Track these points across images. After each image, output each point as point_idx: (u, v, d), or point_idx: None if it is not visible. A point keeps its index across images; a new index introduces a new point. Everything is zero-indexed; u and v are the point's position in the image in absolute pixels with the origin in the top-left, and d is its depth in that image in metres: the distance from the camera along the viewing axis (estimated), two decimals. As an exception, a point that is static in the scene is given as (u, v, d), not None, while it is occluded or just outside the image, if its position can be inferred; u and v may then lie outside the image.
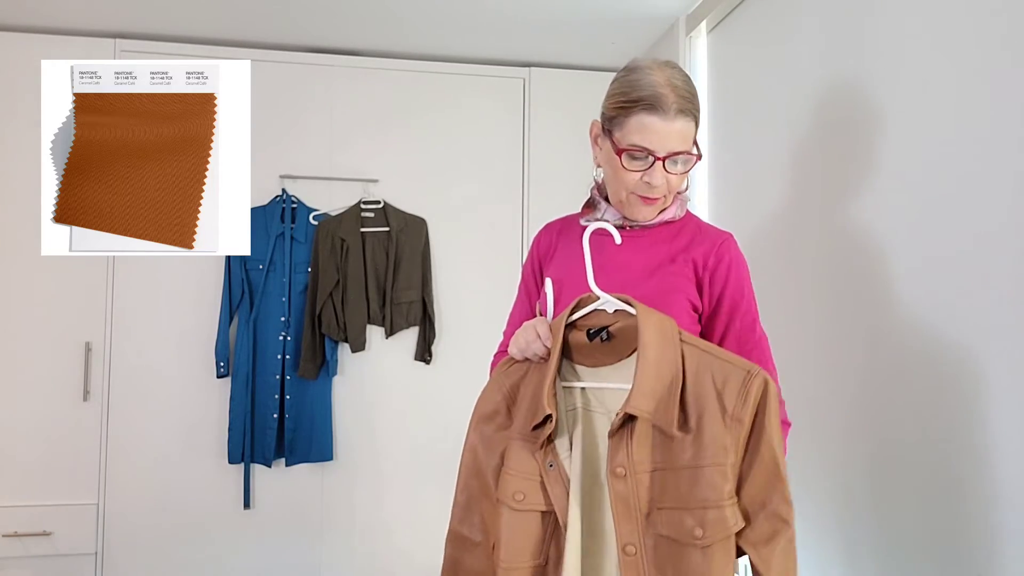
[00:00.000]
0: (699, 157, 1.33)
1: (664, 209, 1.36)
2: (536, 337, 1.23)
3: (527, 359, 1.25)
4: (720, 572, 1.05)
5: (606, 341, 1.18)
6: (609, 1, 2.46)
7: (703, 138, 2.47)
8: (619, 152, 1.29)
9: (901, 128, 1.57)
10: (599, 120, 1.36)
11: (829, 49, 1.82)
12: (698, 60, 2.53)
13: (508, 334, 1.46)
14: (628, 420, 1.11)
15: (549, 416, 1.14)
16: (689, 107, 1.28)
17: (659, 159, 1.27)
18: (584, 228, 1.42)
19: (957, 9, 1.42)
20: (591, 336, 1.18)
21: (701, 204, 2.48)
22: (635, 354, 1.15)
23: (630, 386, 1.11)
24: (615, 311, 1.18)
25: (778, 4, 2.06)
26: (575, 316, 1.21)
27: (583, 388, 1.20)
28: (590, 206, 1.43)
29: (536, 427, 1.17)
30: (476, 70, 2.98)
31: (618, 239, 1.27)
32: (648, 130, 1.26)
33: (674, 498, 1.09)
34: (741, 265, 1.34)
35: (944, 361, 1.43)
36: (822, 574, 1.77)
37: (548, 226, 1.51)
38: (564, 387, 1.20)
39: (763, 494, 1.07)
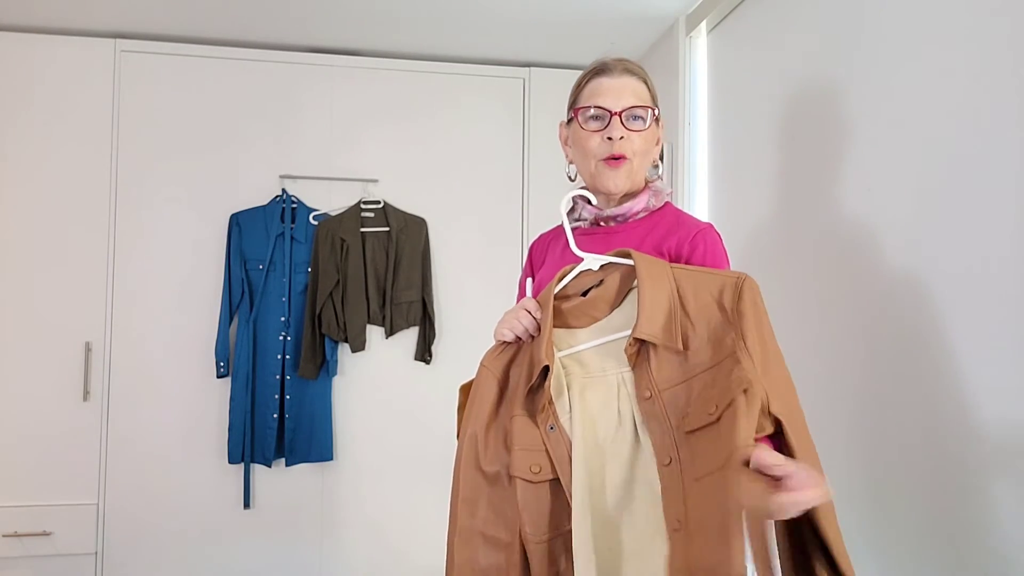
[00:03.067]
0: (657, 114, 1.39)
1: (637, 195, 1.38)
2: (525, 312, 1.26)
3: (518, 339, 1.27)
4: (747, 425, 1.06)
5: (597, 287, 1.23)
6: (609, 1, 2.46)
7: (702, 137, 2.50)
8: (577, 112, 1.37)
9: (900, 128, 1.57)
10: (563, 120, 1.45)
11: (828, 49, 1.82)
12: (698, 60, 2.53)
13: None
14: (642, 347, 1.16)
15: (547, 368, 1.15)
16: (635, 69, 1.38)
17: (615, 114, 1.33)
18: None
19: (956, 10, 1.43)
20: (585, 293, 1.24)
21: (701, 203, 2.49)
22: (626, 301, 1.22)
23: (625, 334, 1.17)
24: (600, 267, 1.24)
25: (778, 4, 2.06)
26: (563, 283, 1.25)
27: (579, 353, 1.22)
28: (572, 212, 1.46)
29: (532, 390, 1.18)
30: (476, 70, 2.98)
31: (594, 200, 1.35)
32: (599, 89, 1.35)
33: (699, 400, 1.13)
34: (718, 254, 1.32)
35: (945, 361, 1.43)
36: (822, 574, 1.77)
37: (541, 237, 1.54)
38: (562, 357, 1.21)
39: (776, 384, 1.11)
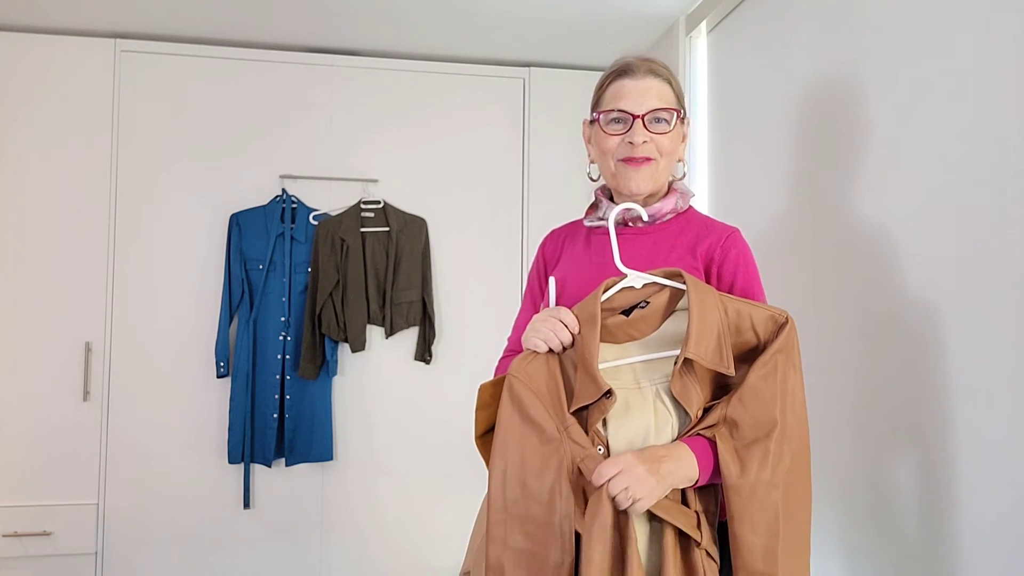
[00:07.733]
0: (682, 115, 1.36)
1: (663, 196, 1.37)
2: (562, 325, 1.21)
3: (550, 351, 1.21)
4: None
5: (642, 308, 1.21)
6: (609, 1, 2.46)
7: (703, 137, 2.50)
8: (600, 115, 1.35)
9: (900, 126, 1.57)
10: (587, 119, 1.43)
11: (829, 48, 1.82)
12: (698, 60, 2.53)
13: (513, 340, 1.45)
14: (686, 368, 1.16)
15: (609, 391, 1.13)
16: (659, 70, 1.35)
17: (637, 117, 1.31)
18: (588, 229, 1.43)
19: (956, 8, 1.42)
20: (628, 312, 1.22)
21: (702, 203, 2.49)
22: (667, 321, 1.22)
23: (667, 353, 1.19)
24: (644, 286, 1.22)
25: (778, 4, 2.06)
26: (606, 295, 1.21)
27: (615, 367, 1.21)
28: (594, 208, 1.44)
29: (579, 409, 1.16)
30: (476, 70, 2.98)
31: (645, 216, 1.32)
32: (622, 92, 1.33)
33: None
34: (749, 258, 1.33)
35: (947, 362, 1.43)
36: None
37: (553, 233, 1.51)
38: (601, 368, 1.18)
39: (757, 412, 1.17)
